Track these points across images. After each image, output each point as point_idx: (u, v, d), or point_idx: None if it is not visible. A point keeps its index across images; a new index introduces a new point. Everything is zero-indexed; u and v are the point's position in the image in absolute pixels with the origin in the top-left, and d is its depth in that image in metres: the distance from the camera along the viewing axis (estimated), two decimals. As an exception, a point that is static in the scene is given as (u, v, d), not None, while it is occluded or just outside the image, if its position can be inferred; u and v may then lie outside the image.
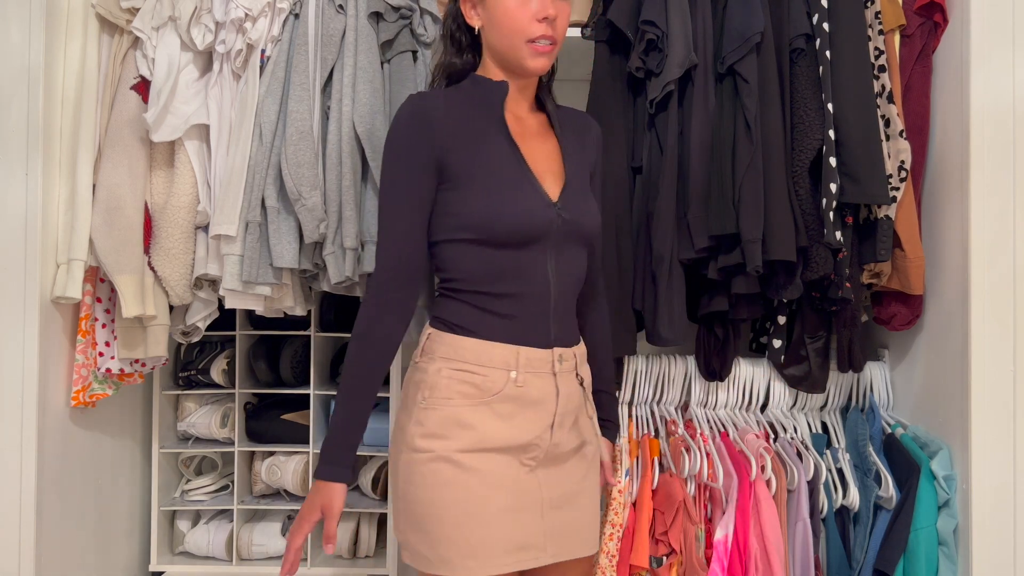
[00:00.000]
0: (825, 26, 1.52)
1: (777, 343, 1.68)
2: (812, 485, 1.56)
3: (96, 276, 1.54)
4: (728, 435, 1.67)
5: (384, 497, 1.91)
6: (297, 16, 1.51)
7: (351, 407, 1.26)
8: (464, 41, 1.33)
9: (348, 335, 1.89)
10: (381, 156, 1.31)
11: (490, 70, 1.32)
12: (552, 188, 1.29)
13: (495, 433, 1.23)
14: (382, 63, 1.54)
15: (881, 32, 1.58)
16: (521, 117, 1.34)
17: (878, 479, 1.55)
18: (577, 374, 1.32)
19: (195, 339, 1.68)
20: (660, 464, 1.63)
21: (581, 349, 1.35)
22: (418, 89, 1.55)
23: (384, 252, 1.26)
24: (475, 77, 1.33)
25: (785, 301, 1.64)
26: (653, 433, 1.71)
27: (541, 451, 1.27)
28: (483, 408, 1.23)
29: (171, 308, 1.57)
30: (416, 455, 1.23)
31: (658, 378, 1.74)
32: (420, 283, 1.29)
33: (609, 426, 1.49)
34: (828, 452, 1.64)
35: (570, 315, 1.32)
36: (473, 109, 1.29)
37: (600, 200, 1.41)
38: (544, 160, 1.31)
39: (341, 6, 1.51)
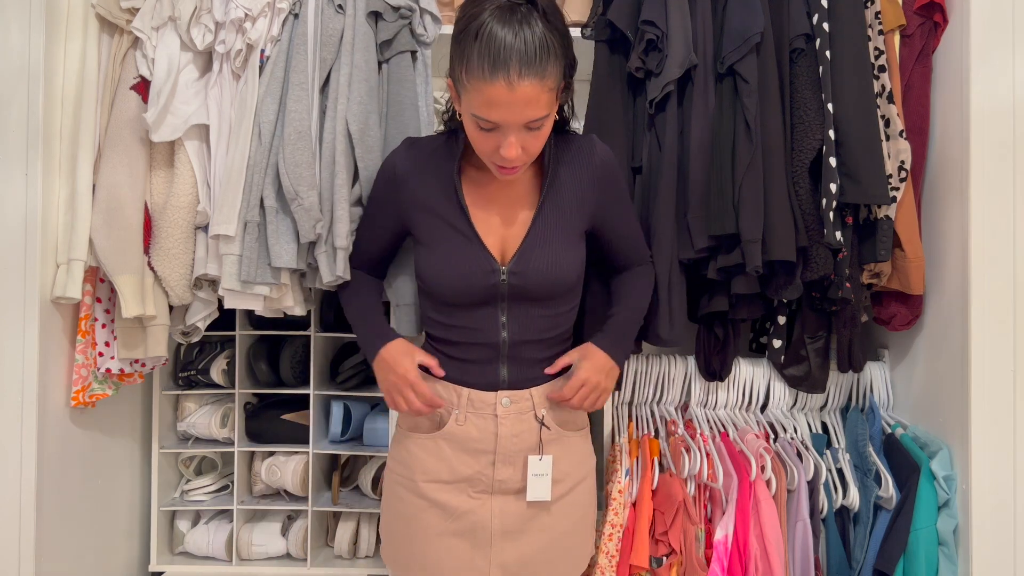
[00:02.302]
0: (825, 26, 1.52)
1: (777, 343, 1.68)
2: (812, 485, 1.56)
3: (96, 276, 1.54)
4: (728, 435, 1.67)
5: (384, 497, 1.91)
6: (296, 16, 1.51)
7: (354, 309, 1.44)
8: None
9: (348, 335, 1.92)
10: (371, 157, 1.46)
11: None
12: (505, 250, 1.31)
13: (435, 466, 1.33)
14: (380, 63, 1.54)
15: (881, 32, 1.58)
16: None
17: (878, 479, 1.55)
18: (536, 414, 1.34)
19: (195, 339, 1.68)
20: (660, 464, 1.63)
21: (550, 388, 1.36)
22: (417, 89, 1.55)
23: (353, 246, 1.47)
24: (459, 133, 1.33)
25: (785, 301, 1.64)
26: (653, 433, 1.71)
27: (483, 484, 1.33)
28: (428, 442, 1.34)
29: (171, 308, 1.57)
30: (388, 473, 1.41)
31: (658, 378, 1.74)
32: (373, 272, 1.48)
33: (600, 340, 1.39)
34: (828, 452, 1.64)
35: (532, 359, 1.34)
36: (444, 164, 1.33)
37: (628, 216, 1.42)
38: (503, 221, 1.31)
39: (340, 6, 1.51)
